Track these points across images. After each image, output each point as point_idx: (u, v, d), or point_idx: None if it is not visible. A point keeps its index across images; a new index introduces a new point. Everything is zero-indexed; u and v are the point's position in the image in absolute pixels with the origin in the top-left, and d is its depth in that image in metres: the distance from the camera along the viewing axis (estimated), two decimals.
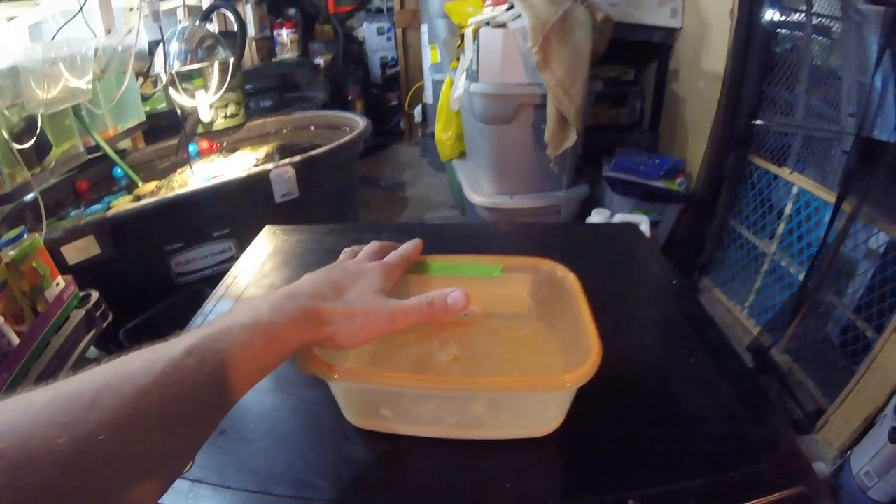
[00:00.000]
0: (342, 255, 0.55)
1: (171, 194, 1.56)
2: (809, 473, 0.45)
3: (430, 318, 0.45)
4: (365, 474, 0.47)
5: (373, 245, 0.55)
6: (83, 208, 1.65)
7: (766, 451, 0.47)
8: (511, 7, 1.84)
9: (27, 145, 1.40)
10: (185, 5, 1.79)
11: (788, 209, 1.78)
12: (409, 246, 0.55)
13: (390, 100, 4.24)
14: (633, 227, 0.93)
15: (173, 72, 1.69)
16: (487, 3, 2.04)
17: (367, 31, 4.13)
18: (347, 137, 1.93)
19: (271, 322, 0.38)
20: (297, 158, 1.71)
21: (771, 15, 1.83)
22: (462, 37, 2.15)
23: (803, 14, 1.79)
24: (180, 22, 1.70)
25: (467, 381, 0.49)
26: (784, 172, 1.79)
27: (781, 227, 1.81)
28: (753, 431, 0.49)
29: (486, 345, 0.56)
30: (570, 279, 0.55)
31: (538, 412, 0.48)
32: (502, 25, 1.84)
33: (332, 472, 0.46)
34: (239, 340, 0.35)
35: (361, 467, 0.48)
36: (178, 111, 1.87)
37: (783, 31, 1.85)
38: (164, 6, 1.99)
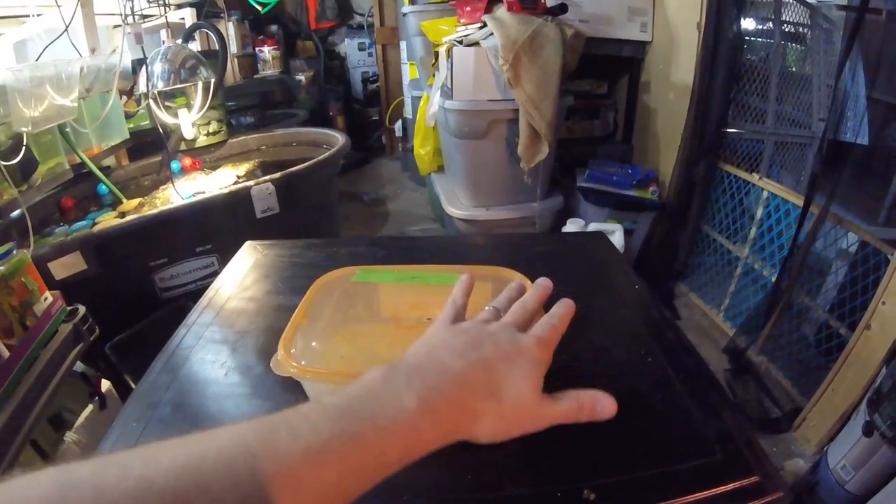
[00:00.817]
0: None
1: (154, 211, 1.59)
2: (765, 464, 0.47)
3: (575, 421, 0.43)
4: None
5: (521, 303, 0.49)
6: (68, 225, 1.67)
7: (720, 443, 0.49)
8: (483, 26, 1.89)
9: (13, 162, 1.42)
10: (167, 25, 1.82)
11: (759, 214, 1.83)
12: (562, 310, 0.49)
13: (372, 115, 4.26)
14: (601, 236, 0.98)
15: (156, 91, 1.73)
16: (462, 22, 2.09)
17: (349, 47, 4.17)
18: (327, 154, 1.96)
19: (414, 428, 0.34)
20: (277, 175, 1.74)
21: (739, 25, 1.87)
22: (437, 55, 2.20)
23: (771, 23, 1.85)
24: (164, 42, 1.74)
25: None
26: (754, 178, 1.84)
27: (753, 232, 1.86)
28: (707, 425, 0.51)
29: None
30: (526, 286, 0.60)
31: None
32: (475, 44, 1.89)
33: None
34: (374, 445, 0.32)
35: None
36: (161, 130, 1.90)
37: (752, 39, 1.90)
38: (146, 25, 2.03)
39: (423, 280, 0.63)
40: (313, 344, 0.60)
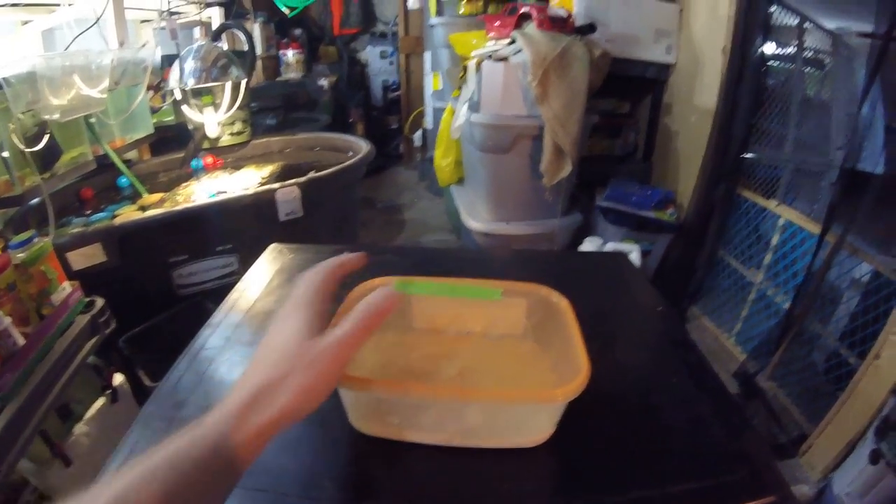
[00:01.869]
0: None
1: (179, 207, 1.59)
2: (782, 485, 0.48)
3: (378, 323, 0.43)
4: (370, 476, 0.50)
5: (300, 284, 0.47)
6: (87, 216, 1.67)
7: (740, 462, 0.50)
8: (513, 42, 1.89)
9: (37, 149, 1.43)
10: (201, 23, 1.83)
11: (775, 240, 1.82)
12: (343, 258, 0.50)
13: (390, 123, 4.28)
14: (622, 257, 0.98)
15: (187, 88, 1.74)
16: (490, 36, 2.09)
17: (371, 55, 4.18)
18: (352, 160, 1.96)
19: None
20: (303, 179, 1.74)
21: (762, 49, 1.87)
22: (465, 68, 2.20)
23: (794, 48, 1.83)
24: (196, 39, 1.75)
25: (468, 392, 0.51)
26: (771, 204, 1.83)
27: (768, 258, 1.85)
28: (729, 444, 0.52)
29: (487, 361, 0.61)
30: (563, 304, 0.59)
31: (531, 423, 0.52)
32: (504, 59, 1.89)
33: (339, 474, 0.49)
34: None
35: (366, 469, 0.51)
36: (190, 126, 1.91)
37: (774, 63, 1.89)
38: (179, 21, 2.04)
39: (460, 293, 0.63)
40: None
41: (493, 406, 0.51)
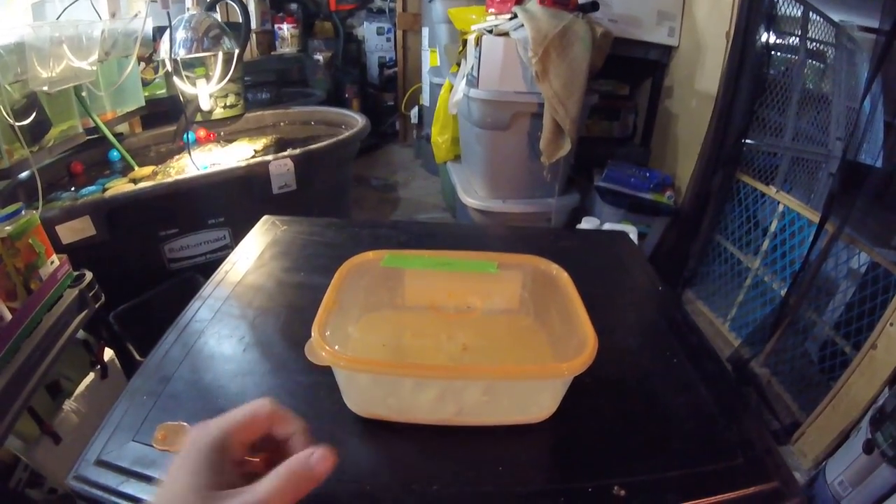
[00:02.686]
0: None
1: (170, 180, 1.56)
2: (783, 471, 0.48)
3: (304, 490, 0.34)
4: (363, 458, 0.49)
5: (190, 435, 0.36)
6: (76, 190, 1.64)
7: (741, 449, 0.50)
8: (514, 17, 1.86)
9: (26, 122, 1.39)
10: None
11: (773, 227, 1.82)
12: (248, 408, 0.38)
13: (386, 100, 4.24)
14: (623, 235, 0.96)
15: (178, 59, 1.70)
16: (490, 11, 2.06)
17: (367, 31, 4.14)
18: (348, 134, 1.94)
19: None
20: (296, 151, 1.72)
21: (765, 38, 1.85)
22: (464, 42, 2.17)
23: (797, 38, 1.83)
24: (188, 10, 1.70)
25: (474, 370, 0.51)
26: (770, 191, 1.83)
27: (766, 244, 1.86)
28: (730, 431, 0.52)
29: (485, 337, 0.59)
30: (563, 277, 0.57)
31: (536, 400, 0.51)
32: (504, 34, 1.86)
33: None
34: None
35: (359, 451, 0.50)
36: (181, 98, 1.87)
37: (777, 53, 1.89)
38: None
39: (455, 267, 0.61)
40: (349, 330, 0.57)
41: (496, 384, 0.49)
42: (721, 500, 0.45)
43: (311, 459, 0.34)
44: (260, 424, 0.37)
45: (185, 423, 0.50)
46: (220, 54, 1.81)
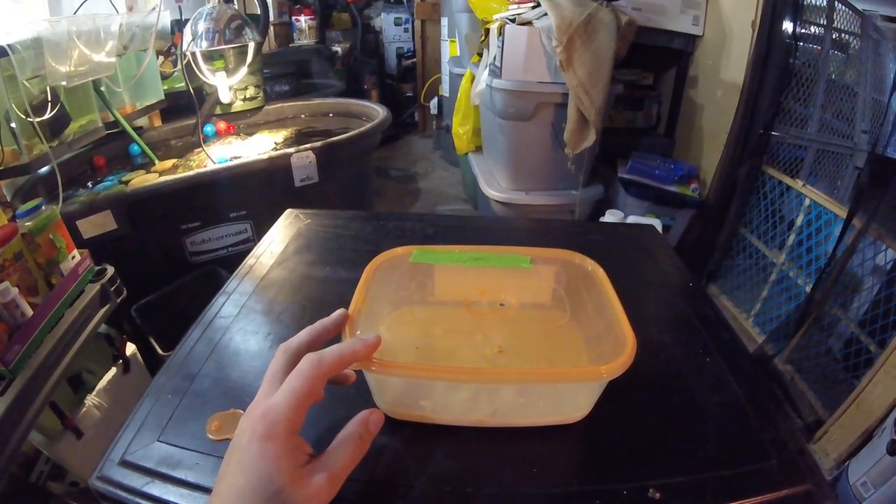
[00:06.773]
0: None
1: (191, 173, 1.56)
2: (816, 473, 0.47)
3: (366, 449, 0.41)
4: (394, 458, 0.48)
5: (278, 358, 0.44)
6: (89, 187, 1.63)
7: (774, 449, 0.49)
8: (537, 5, 1.83)
9: (46, 117, 1.39)
10: None
11: (799, 221, 1.79)
12: (350, 345, 0.43)
13: (405, 91, 4.22)
14: (651, 229, 0.93)
15: (198, 51, 1.69)
16: None
17: (385, 22, 4.12)
18: (369, 126, 1.92)
19: None
20: (318, 144, 1.70)
21: (791, 28, 1.82)
22: (486, 32, 2.13)
23: (822, 29, 1.79)
24: (207, 2, 1.69)
25: (512, 373, 0.49)
26: (797, 184, 1.79)
27: (791, 239, 1.82)
28: (763, 430, 0.51)
29: (518, 336, 0.57)
30: (599, 273, 0.55)
31: (572, 400, 0.49)
32: (527, 23, 1.82)
33: (368, 459, 0.46)
34: None
35: (390, 451, 0.48)
36: (202, 91, 1.87)
37: (802, 44, 1.85)
38: None
39: (486, 262, 0.59)
40: (380, 329, 0.55)
41: (532, 386, 0.47)
42: (755, 502, 0.44)
43: (369, 422, 0.41)
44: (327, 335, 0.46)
45: (238, 410, 0.51)
46: (249, 45, 1.80)
